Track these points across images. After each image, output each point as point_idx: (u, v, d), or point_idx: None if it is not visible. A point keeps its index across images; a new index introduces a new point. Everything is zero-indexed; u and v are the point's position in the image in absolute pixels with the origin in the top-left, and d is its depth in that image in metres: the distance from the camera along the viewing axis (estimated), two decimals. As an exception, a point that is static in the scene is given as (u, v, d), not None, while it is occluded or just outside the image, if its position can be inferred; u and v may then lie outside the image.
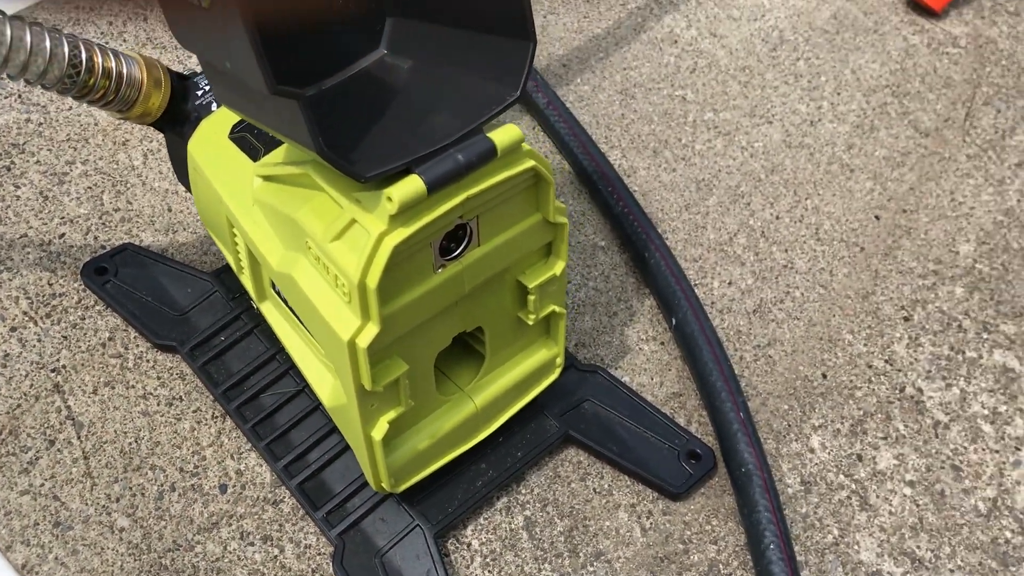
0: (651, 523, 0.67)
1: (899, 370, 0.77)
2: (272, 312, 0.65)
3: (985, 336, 0.79)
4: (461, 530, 0.66)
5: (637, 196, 0.85)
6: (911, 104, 0.96)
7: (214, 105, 0.67)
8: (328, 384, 0.60)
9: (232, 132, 0.64)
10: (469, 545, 0.65)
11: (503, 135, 0.52)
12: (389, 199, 0.49)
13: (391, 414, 0.58)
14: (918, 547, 0.68)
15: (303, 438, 0.68)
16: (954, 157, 0.91)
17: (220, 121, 0.65)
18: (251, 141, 0.63)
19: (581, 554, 0.66)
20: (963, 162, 0.91)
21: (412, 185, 0.49)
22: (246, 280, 0.65)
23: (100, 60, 0.62)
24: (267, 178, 0.59)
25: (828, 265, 0.83)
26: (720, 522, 0.68)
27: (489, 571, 0.64)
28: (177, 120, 0.67)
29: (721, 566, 0.66)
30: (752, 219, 0.85)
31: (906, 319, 0.80)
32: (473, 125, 0.52)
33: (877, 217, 0.86)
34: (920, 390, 0.76)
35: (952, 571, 0.67)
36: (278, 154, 0.60)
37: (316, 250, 0.54)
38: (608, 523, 0.67)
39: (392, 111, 0.54)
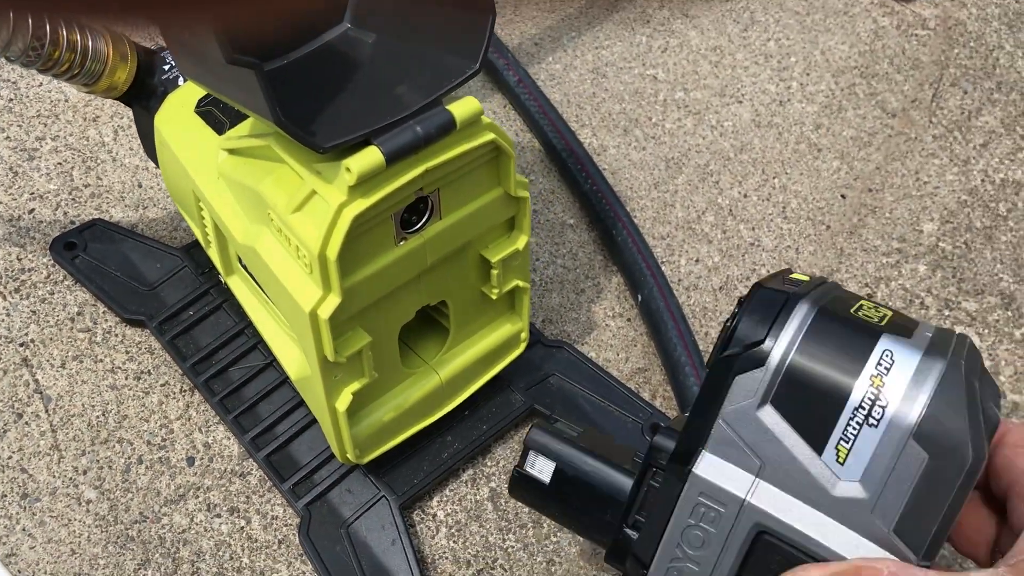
0: (614, 495, 0.68)
1: (862, 346, 0.78)
2: (239, 286, 0.65)
3: (947, 313, 0.80)
4: (427, 501, 0.67)
5: (607, 174, 0.86)
6: (879, 85, 0.96)
7: (180, 79, 0.67)
8: (294, 357, 0.61)
9: (198, 106, 0.64)
10: (435, 516, 0.66)
11: (462, 107, 0.53)
12: (348, 170, 0.50)
13: (355, 385, 0.59)
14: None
15: (271, 411, 0.68)
16: (920, 137, 0.92)
17: (186, 95, 0.65)
18: (216, 115, 0.63)
19: (545, 525, 0.67)
20: (929, 142, 0.92)
21: (370, 156, 0.50)
22: (213, 254, 0.66)
23: (65, 33, 0.62)
24: (231, 151, 0.60)
25: (794, 243, 0.84)
26: (682, 494, 0.69)
27: (454, 541, 0.65)
28: (144, 94, 0.68)
29: (682, 537, 0.67)
30: (720, 197, 0.86)
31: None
32: (432, 97, 0.52)
33: (843, 196, 0.87)
34: (882, 366, 0.77)
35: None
36: (243, 128, 0.61)
37: (278, 222, 0.54)
38: (572, 495, 0.68)
39: (354, 84, 0.54)
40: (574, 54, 0.96)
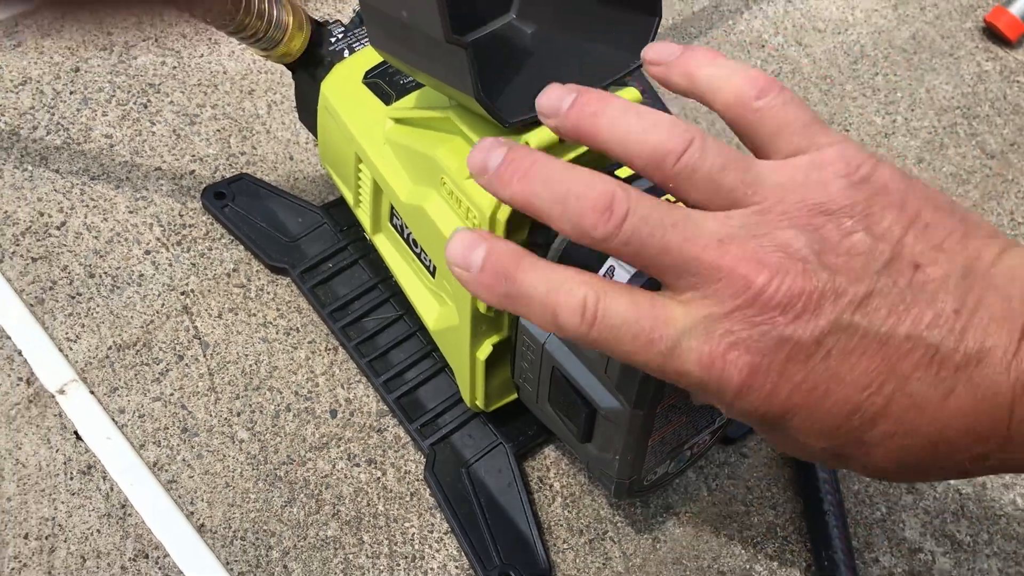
0: (717, 484, 0.74)
1: (952, 371, 0.82)
2: (385, 244, 0.71)
3: (1034, 348, 0.85)
4: (545, 473, 0.72)
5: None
6: (979, 126, 1.01)
7: (346, 52, 0.73)
8: (435, 310, 0.67)
9: (365, 77, 0.70)
10: (552, 487, 0.72)
11: (625, 94, 0.59)
12: (527, 143, 0.55)
13: (495, 338, 0.64)
14: (958, 531, 0.74)
15: (401, 359, 0.74)
16: (1017, 180, 0.97)
17: (354, 66, 0.71)
18: (383, 87, 0.69)
19: (652, 505, 0.72)
20: (1025, 185, 0.97)
21: (547, 133, 0.56)
22: (363, 214, 0.72)
23: (256, 2, 0.68)
24: (400, 120, 0.66)
25: (892, 268, 0.88)
26: (780, 491, 0.74)
27: (568, 511, 0.71)
28: (311, 63, 0.74)
29: (778, 528, 0.72)
30: (824, 219, 0.91)
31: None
32: (601, 85, 0.58)
33: (941, 228, 0.92)
34: (970, 391, 0.81)
35: (988, 556, 0.73)
36: (410, 100, 0.67)
37: (451, 185, 0.60)
38: (678, 481, 0.73)
39: (527, 68, 0.60)
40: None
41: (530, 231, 0.59)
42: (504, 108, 0.57)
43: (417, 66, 0.59)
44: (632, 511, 0.72)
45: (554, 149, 0.57)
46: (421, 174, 0.64)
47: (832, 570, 0.68)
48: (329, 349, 0.76)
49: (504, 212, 0.57)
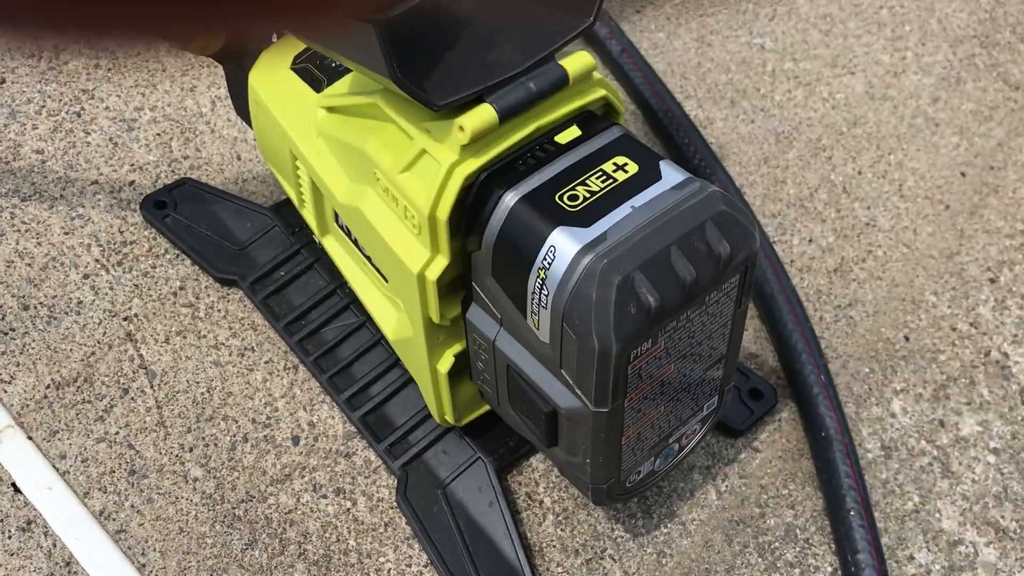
0: (727, 486, 0.66)
1: (984, 333, 0.74)
2: (334, 246, 0.64)
3: (1076, 300, 0.76)
4: (533, 488, 0.65)
5: (714, 148, 0.82)
6: (1000, 55, 0.91)
7: (274, 36, 0.65)
8: (392, 318, 0.60)
9: (294, 63, 0.63)
10: (541, 503, 0.65)
11: (575, 63, 0.51)
12: (461, 128, 0.48)
13: (457, 347, 0.57)
14: (1002, 517, 0.66)
15: (365, 371, 0.67)
16: (1046, 111, 0.87)
17: (281, 52, 0.64)
18: (313, 72, 0.62)
19: (655, 515, 0.65)
20: (1055, 117, 0.87)
21: (484, 114, 0.48)
22: (308, 215, 0.65)
23: None
24: (331, 109, 0.58)
25: (912, 223, 0.80)
26: (797, 487, 0.66)
27: (562, 529, 0.64)
28: (236, 52, 0.66)
29: (798, 531, 0.65)
30: (833, 174, 0.83)
31: (992, 280, 0.77)
32: (545, 52, 0.50)
33: (963, 174, 0.83)
34: (1006, 355, 0.73)
35: (1038, 542, 0.65)
36: (342, 85, 0.59)
37: (384, 182, 0.53)
38: (682, 484, 0.66)
39: (462, 40, 0.52)
40: (678, 22, 0.93)
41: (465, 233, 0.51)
42: (435, 89, 0.49)
43: (332, 48, 0.51)
44: (633, 524, 0.64)
45: (493, 132, 0.49)
46: (356, 170, 0.56)
47: (859, 575, 0.61)
48: (288, 368, 0.69)
49: (444, 210, 0.49)
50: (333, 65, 0.61)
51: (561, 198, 0.49)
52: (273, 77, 0.63)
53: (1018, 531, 0.65)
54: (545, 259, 0.47)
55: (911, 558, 0.64)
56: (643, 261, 0.46)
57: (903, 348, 0.73)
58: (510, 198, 0.49)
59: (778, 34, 0.92)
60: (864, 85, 0.89)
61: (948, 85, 0.89)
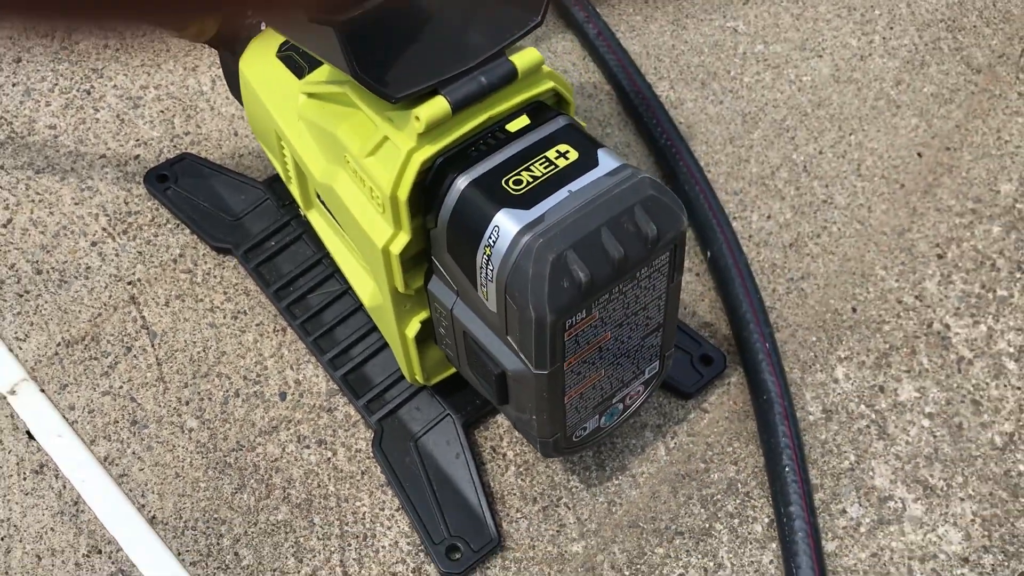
0: (675, 443, 0.72)
1: (928, 306, 0.79)
2: (317, 220, 0.70)
3: (1018, 275, 0.81)
4: (498, 442, 0.71)
5: (683, 128, 0.87)
6: (965, 39, 0.95)
7: (263, 25, 0.71)
8: (368, 287, 0.66)
9: (279, 51, 0.68)
10: (504, 456, 0.71)
11: (524, 58, 0.56)
12: (417, 118, 0.53)
13: (423, 314, 0.63)
14: (931, 476, 0.71)
15: (347, 335, 0.74)
16: (1005, 95, 0.92)
17: (268, 40, 0.69)
18: (296, 60, 0.67)
19: (608, 468, 0.71)
20: (1014, 99, 0.91)
21: (438, 106, 0.54)
22: (294, 189, 0.71)
23: None
24: (310, 95, 0.64)
25: (867, 201, 0.85)
26: (741, 445, 0.72)
27: (522, 479, 0.70)
28: (228, 38, 0.72)
29: (740, 485, 0.70)
30: (795, 153, 0.87)
31: (940, 256, 0.82)
32: (496, 49, 0.55)
33: (919, 154, 0.88)
34: (947, 326, 0.78)
35: (963, 499, 0.70)
36: (321, 73, 0.64)
37: (353, 164, 0.58)
38: (635, 441, 0.72)
39: (422, 34, 0.58)
40: (654, 5, 0.97)
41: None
42: (393, 81, 0.54)
43: (302, 43, 0.57)
44: (588, 475, 0.70)
45: (447, 122, 0.55)
46: (330, 152, 0.62)
47: (790, 525, 0.67)
48: (277, 330, 0.75)
49: (404, 191, 0.55)
50: (314, 54, 0.67)
51: (507, 182, 0.54)
52: (260, 64, 0.69)
53: (944, 489, 0.71)
54: (490, 237, 0.53)
55: (843, 512, 0.70)
56: (575, 240, 0.52)
57: (850, 319, 0.78)
58: (461, 182, 0.55)
59: (751, 17, 0.96)
60: (831, 68, 0.93)
61: (912, 68, 0.93)
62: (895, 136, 0.89)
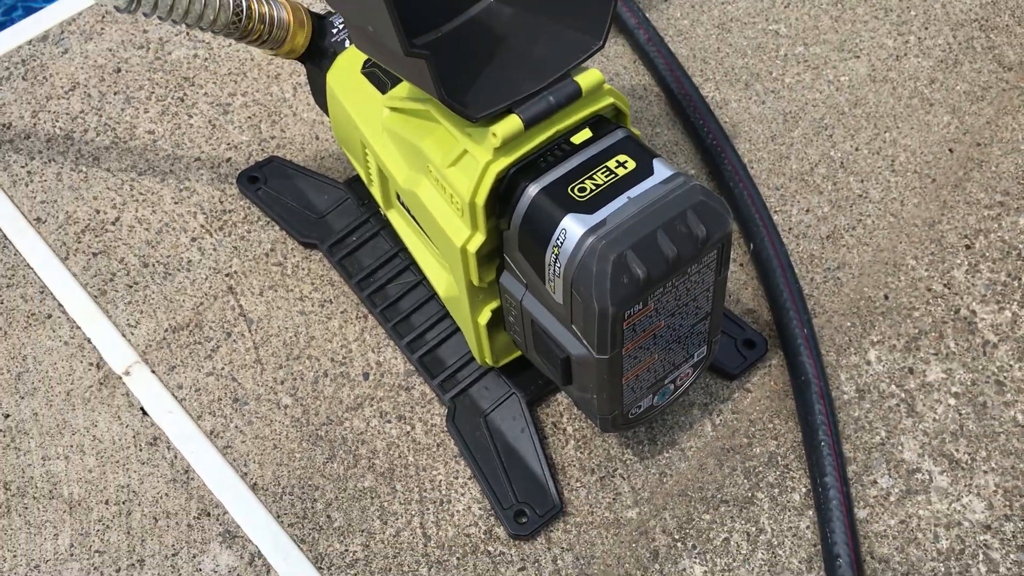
0: (720, 420, 0.79)
1: (956, 293, 0.85)
2: (397, 219, 0.78)
3: (1042, 264, 0.86)
4: (558, 418, 0.79)
5: (727, 128, 0.94)
6: (998, 38, 1.00)
7: (347, 42, 0.79)
8: (443, 279, 0.74)
9: (364, 67, 0.76)
10: (564, 431, 0.79)
11: (587, 79, 0.63)
12: (494, 135, 0.61)
13: (493, 304, 0.71)
14: (956, 450, 0.78)
15: (422, 321, 0.82)
16: (1034, 92, 0.97)
17: (353, 57, 0.77)
18: (379, 76, 0.75)
19: (659, 442, 0.78)
20: (1043, 97, 0.96)
21: (512, 123, 0.61)
22: (375, 191, 0.78)
23: (256, 7, 0.74)
24: (394, 109, 0.71)
25: (900, 195, 0.91)
26: (781, 422, 0.79)
27: (581, 452, 0.78)
28: (316, 54, 0.79)
29: (779, 458, 0.78)
30: (833, 150, 0.94)
31: (968, 247, 0.88)
32: (563, 71, 0.62)
33: (951, 150, 0.93)
34: (974, 312, 0.84)
35: (986, 472, 0.77)
36: (402, 89, 0.72)
37: (435, 173, 0.66)
38: (683, 418, 0.79)
39: (497, 58, 0.65)
40: (701, 9, 1.03)
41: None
42: (472, 102, 0.62)
43: (391, 67, 0.65)
44: (641, 449, 0.78)
45: (519, 137, 0.62)
46: (413, 161, 0.70)
47: (825, 494, 0.74)
48: (359, 317, 0.84)
49: (481, 198, 0.63)
50: (395, 70, 0.75)
51: (572, 190, 0.62)
52: (347, 78, 0.77)
53: (968, 462, 0.77)
54: (558, 239, 0.61)
55: (874, 482, 0.77)
56: (634, 242, 0.59)
57: (882, 305, 0.85)
58: (532, 189, 0.62)
59: (792, 20, 1.02)
60: (867, 68, 0.99)
61: (946, 67, 0.99)
62: (928, 133, 0.94)
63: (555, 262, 0.61)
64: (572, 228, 0.60)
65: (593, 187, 0.62)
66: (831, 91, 0.97)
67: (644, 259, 0.59)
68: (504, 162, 0.62)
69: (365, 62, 0.76)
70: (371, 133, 0.74)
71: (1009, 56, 0.99)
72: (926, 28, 1.01)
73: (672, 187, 0.61)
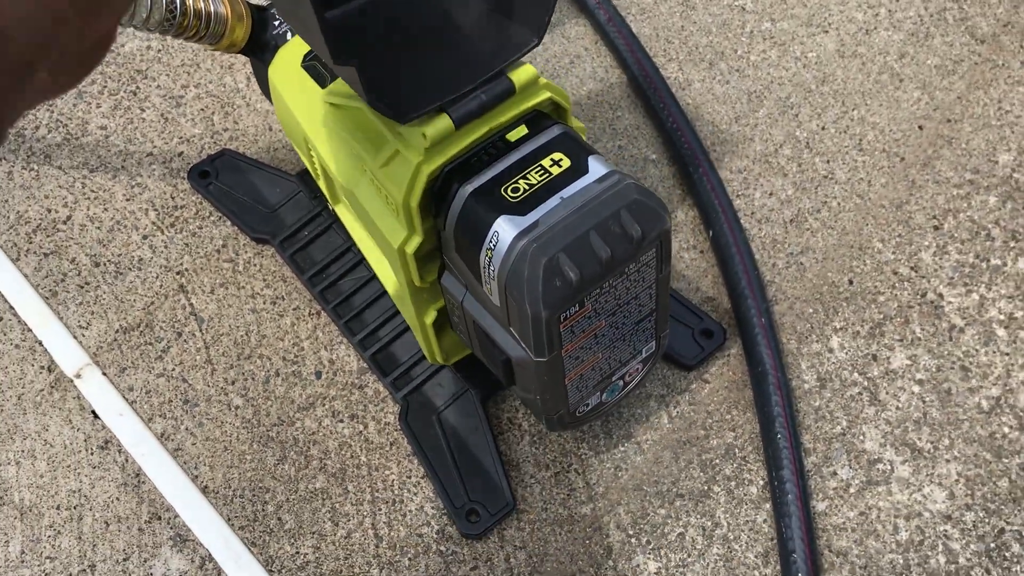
0: (677, 411, 0.78)
1: (923, 276, 0.83)
2: (344, 213, 0.77)
3: (1012, 244, 0.84)
4: (514, 414, 0.78)
5: (690, 109, 0.92)
6: (971, 8, 0.98)
7: (288, 35, 0.77)
8: (391, 277, 0.72)
9: (304, 61, 0.74)
10: (520, 427, 0.77)
11: (520, 75, 0.61)
12: (424, 135, 0.59)
13: (440, 303, 0.70)
14: (919, 439, 0.76)
15: (375, 317, 0.80)
16: (1008, 64, 0.94)
17: (294, 50, 0.75)
18: (319, 70, 0.73)
19: (614, 436, 0.77)
20: (1016, 69, 0.94)
21: (442, 123, 0.59)
22: (322, 185, 0.77)
23: (191, 3, 0.72)
24: (332, 105, 0.70)
25: (867, 175, 0.89)
26: (739, 413, 0.78)
27: (536, 448, 0.77)
28: (258, 48, 0.78)
29: (737, 450, 0.76)
30: (799, 130, 0.91)
31: (936, 228, 0.86)
32: (496, 69, 0.60)
33: (920, 127, 0.91)
34: (941, 295, 0.82)
35: (948, 461, 0.75)
36: (341, 83, 0.70)
37: (371, 173, 0.65)
38: (640, 410, 0.78)
39: (428, 58, 0.63)
40: (666, -14, 1.01)
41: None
42: (402, 103, 0.60)
43: (327, 66, 0.63)
44: (596, 443, 0.77)
45: (450, 137, 0.60)
46: (351, 159, 0.68)
47: (781, 488, 0.73)
48: (312, 314, 0.82)
49: (415, 200, 0.61)
50: (335, 64, 0.73)
51: (506, 190, 0.60)
52: (287, 72, 0.75)
53: (931, 451, 0.76)
54: (491, 241, 0.59)
55: (834, 474, 0.75)
56: (566, 244, 0.57)
57: (846, 291, 0.83)
58: (465, 190, 0.60)
59: (759, -5, 0.99)
60: (836, 43, 0.96)
61: (916, 40, 0.96)
62: (897, 110, 0.92)
63: (489, 265, 0.60)
64: (504, 231, 0.59)
65: (527, 187, 0.60)
66: (798, 68, 0.95)
67: (577, 261, 0.58)
68: (436, 163, 0.61)
69: (306, 55, 0.74)
70: (312, 129, 0.72)
71: (982, 27, 0.96)
72: (896, 0, 0.98)
73: (606, 186, 0.59)
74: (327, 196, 0.77)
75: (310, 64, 0.74)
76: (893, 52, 0.95)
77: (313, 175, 0.78)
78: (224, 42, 0.75)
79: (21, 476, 0.76)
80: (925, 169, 0.89)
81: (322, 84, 0.72)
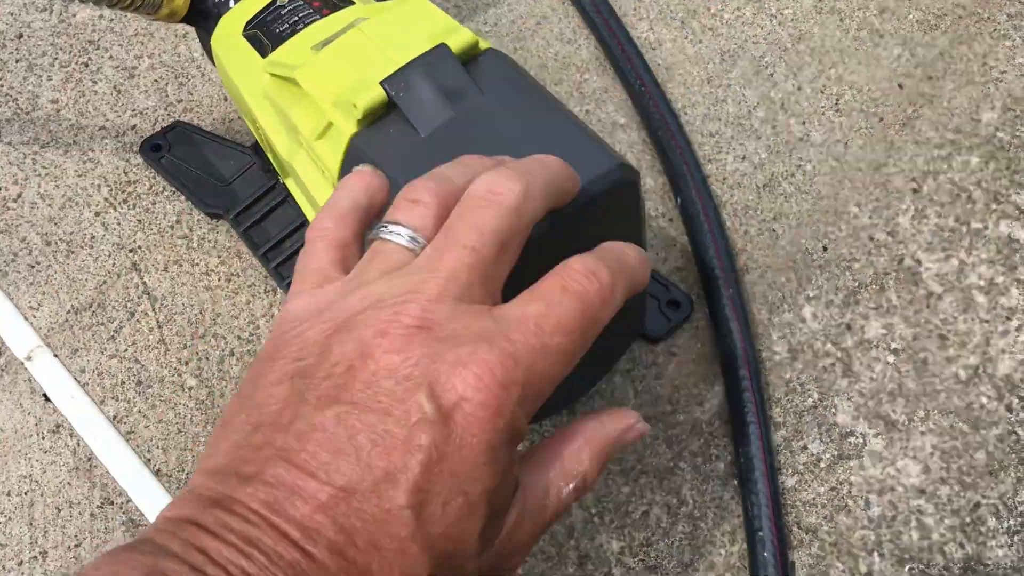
0: (643, 386, 0.76)
1: (900, 242, 0.80)
2: (294, 187, 0.74)
3: (994, 207, 0.81)
4: (474, 391, 0.76)
5: (660, 70, 0.88)
6: (956, -41, 0.93)
7: (231, 2, 0.74)
8: None
9: (245, 29, 0.71)
10: (481, 404, 0.75)
11: (458, 39, 0.58)
12: (355, 106, 0.57)
13: None
14: (893, 411, 0.74)
15: None
16: (993, 17, 0.90)
17: (235, 18, 0.72)
18: (260, 38, 0.70)
19: (578, 412, 0.75)
20: (1002, 22, 0.90)
21: (374, 93, 0.57)
22: (271, 157, 0.74)
23: None
24: (273, 75, 0.67)
25: (844, 137, 0.85)
26: (707, 386, 0.75)
27: (497, 427, 0.74)
28: (200, 17, 0.75)
29: (704, 425, 0.74)
30: (773, 91, 0.88)
31: (915, 191, 0.82)
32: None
33: (900, 86, 0.87)
34: (919, 261, 0.79)
35: (923, 433, 0.73)
36: (280, 53, 0.68)
37: (306, 145, 0.62)
38: (604, 386, 0.76)
39: None
40: (637, -58, 0.97)
41: None
42: None
43: (268, 34, 0.60)
44: (559, 419, 0.74)
45: (382, 108, 0.58)
46: (290, 131, 0.66)
47: (748, 465, 0.70)
48: (267, 291, 0.80)
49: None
50: (277, 30, 0.70)
51: None
52: (228, 41, 0.72)
53: (906, 423, 0.73)
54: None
55: (804, 448, 0.73)
56: None
57: (820, 258, 0.80)
58: None
59: (734, -50, 0.95)
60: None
61: (898, -6, 0.92)
62: (876, 68, 0.88)
63: None
64: None
65: None
66: (773, 26, 0.91)
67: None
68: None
69: (247, 23, 0.71)
70: (253, 101, 0.69)
71: (968, -22, 0.92)
72: (879, -49, 0.94)
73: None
74: (277, 169, 0.75)
75: (251, 33, 0.71)
76: (873, 7, 0.91)
77: (263, 147, 0.76)
78: (163, 11, 0.72)
79: (-29, 462, 0.75)
80: (904, 129, 0.85)
81: (263, 53, 0.69)
